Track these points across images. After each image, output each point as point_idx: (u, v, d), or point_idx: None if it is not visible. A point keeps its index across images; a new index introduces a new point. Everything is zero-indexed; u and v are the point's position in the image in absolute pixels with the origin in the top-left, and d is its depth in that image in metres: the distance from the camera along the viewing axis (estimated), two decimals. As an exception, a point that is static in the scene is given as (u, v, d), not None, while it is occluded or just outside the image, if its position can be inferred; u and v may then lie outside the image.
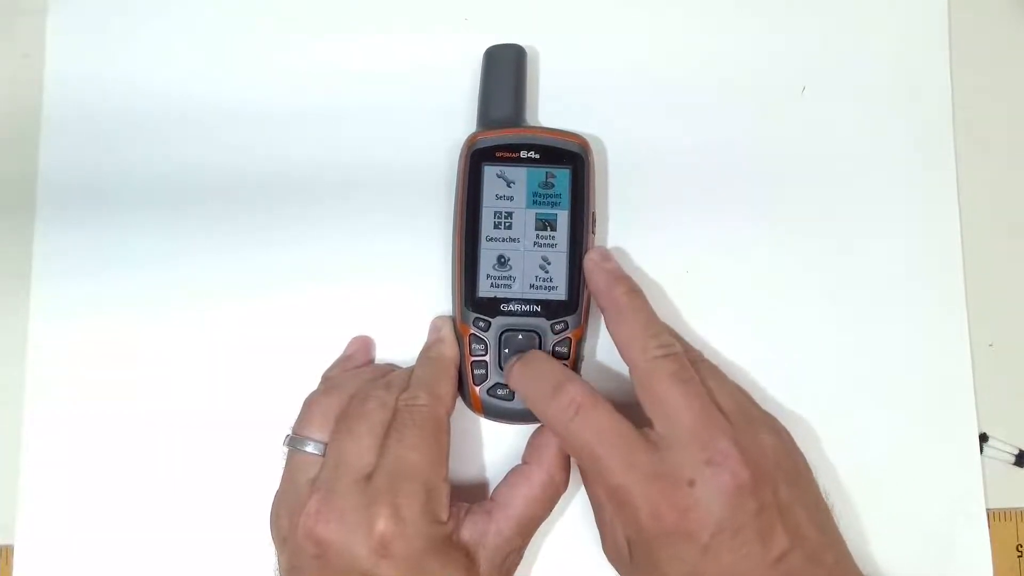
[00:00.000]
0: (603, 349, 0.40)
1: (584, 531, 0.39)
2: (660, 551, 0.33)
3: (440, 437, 0.36)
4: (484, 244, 0.38)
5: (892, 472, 0.40)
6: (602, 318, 0.37)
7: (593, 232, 0.39)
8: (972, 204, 0.43)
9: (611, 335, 0.36)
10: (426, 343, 0.39)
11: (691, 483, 0.32)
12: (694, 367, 0.35)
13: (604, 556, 0.37)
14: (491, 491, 0.37)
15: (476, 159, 0.39)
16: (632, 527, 0.33)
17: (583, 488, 0.39)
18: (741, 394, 0.37)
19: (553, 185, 0.39)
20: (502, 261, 0.38)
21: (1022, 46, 0.45)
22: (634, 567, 0.34)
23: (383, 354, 0.41)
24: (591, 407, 0.34)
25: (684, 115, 0.43)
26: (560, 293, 0.38)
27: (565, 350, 0.38)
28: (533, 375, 0.36)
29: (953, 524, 0.40)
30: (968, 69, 0.44)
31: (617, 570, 0.36)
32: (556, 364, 0.37)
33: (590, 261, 0.38)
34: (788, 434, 0.36)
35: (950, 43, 0.44)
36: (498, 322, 0.38)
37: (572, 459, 0.36)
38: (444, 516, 0.34)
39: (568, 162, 0.39)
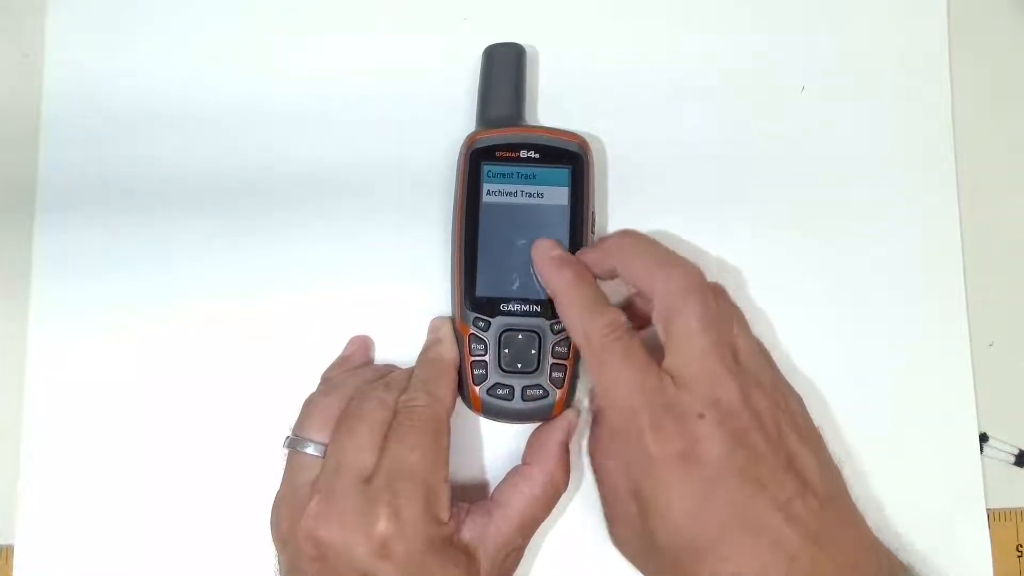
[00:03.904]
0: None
1: (584, 531, 0.39)
2: (668, 479, 0.32)
3: (440, 438, 0.35)
4: (483, 244, 0.38)
5: (892, 472, 0.40)
6: None
7: (593, 231, 0.39)
8: (972, 204, 0.43)
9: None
10: (425, 344, 0.39)
11: (701, 416, 0.32)
12: (718, 303, 0.35)
13: (610, 545, 0.36)
14: (491, 491, 0.37)
15: (475, 158, 0.39)
16: (640, 455, 0.33)
17: (583, 488, 0.39)
18: (759, 346, 0.37)
19: (553, 185, 0.39)
20: (501, 261, 0.38)
21: (1022, 46, 0.45)
22: (642, 516, 0.33)
23: (382, 354, 0.41)
24: (628, 336, 0.35)
25: (684, 115, 0.43)
26: (560, 293, 0.38)
27: (565, 350, 0.37)
28: (576, 283, 0.36)
29: (953, 524, 0.40)
30: (968, 69, 0.44)
31: (626, 548, 0.35)
32: (596, 283, 0.37)
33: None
34: (799, 396, 0.36)
35: (950, 43, 0.44)
36: (498, 322, 0.38)
37: (571, 456, 0.37)
38: (445, 516, 0.34)
39: (568, 162, 0.39)
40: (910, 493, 0.40)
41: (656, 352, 0.35)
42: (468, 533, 0.35)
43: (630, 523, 0.34)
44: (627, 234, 0.38)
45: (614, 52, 0.43)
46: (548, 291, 0.37)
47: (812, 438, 0.35)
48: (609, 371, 0.34)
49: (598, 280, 0.37)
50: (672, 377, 0.34)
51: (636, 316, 0.37)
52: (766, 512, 0.32)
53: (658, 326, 0.35)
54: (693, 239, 0.42)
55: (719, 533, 0.32)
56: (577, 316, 0.36)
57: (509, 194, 0.39)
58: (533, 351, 0.37)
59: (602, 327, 0.35)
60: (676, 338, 0.34)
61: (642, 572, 0.35)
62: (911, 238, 0.42)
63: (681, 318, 0.34)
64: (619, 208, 0.42)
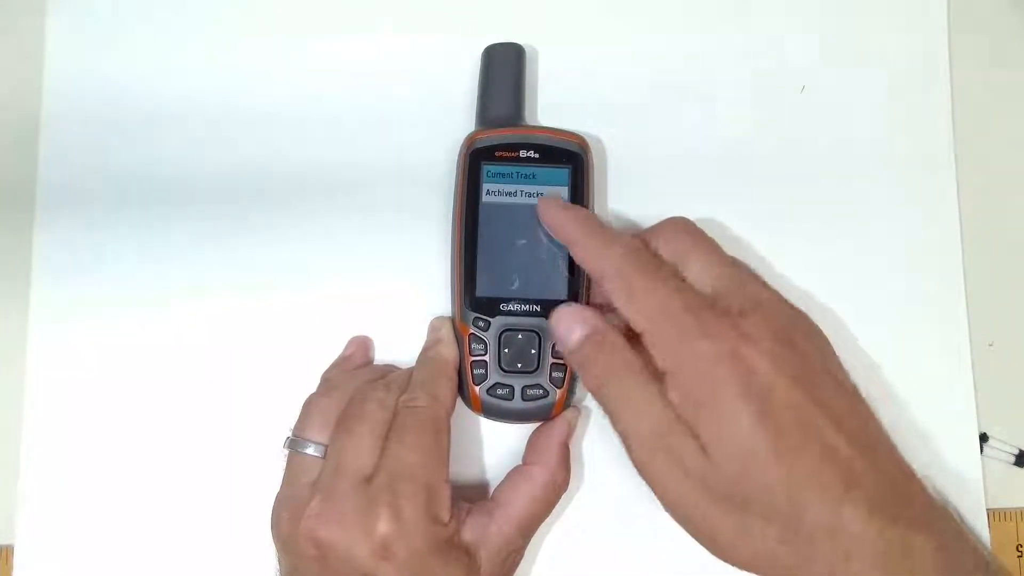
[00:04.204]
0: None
1: (584, 531, 0.39)
2: (723, 381, 0.31)
3: (440, 438, 0.35)
4: (483, 244, 0.38)
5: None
6: None
7: (593, 232, 0.39)
8: (972, 204, 0.43)
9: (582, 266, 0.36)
10: (425, 344, 0.39)
11: (742, 313, 0.32)
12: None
13: (610, 545, 0.35)
14: (492, 491, 0.37)
15: (475, 158, 0.39)
16: (686, 361, 0.31)
17: (583, 488, 0.39)
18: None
19: (552, 185, 0.39)
20: (501, 261, 0.38)
21: (1022, 46, 0.45)
22: (697, 418, 0.31)
23: (382, 355, 0.41)
24: (645, 250, 0.34)
25: (683, 114, 0.43)
26: (560, 292, 0.38)
27: (565, 350, 0.37)
28: (587, 218, 0.36)
29: (953, 524, 0.40)
30: (968, 69, 0.44)
31: (682, 471, 0.31)
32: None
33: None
34: None
35: (950, 43, 0.44)
36: (497, 322, 0.38)
37: (571, 456, 0.36)
38: (445, 517, 0.34)
39: (567, 161, 0.39)
40: (910, 493, 0.40)
41: None
42: (469, 533, 0.35)
43: (684, 459, 0.31)
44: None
45: (614, 52, 0.43)
46: (559, 236, 0.37)
47: (836, 355, 0.35)
48: (641, 285, 0.33)
49: None
50: (706, 294, 0.33)
51: None
52: (819, 417, 0.31)
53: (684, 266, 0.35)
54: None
55: (778, 437, 0.30)
56: (594, 246, 0.35)
57: (509, 194, 0.39)
58: (533, 351, 0.37)
59: (620, 248, 0.34)
60: (695, 264, 0.34)
61: (680, 502, 0.32)
62: (911, 238, 0.42)
63: (691, 251, 0.35)
64: (619, 208, 0.42)
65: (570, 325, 0.35)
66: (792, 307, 0.35)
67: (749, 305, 0.33)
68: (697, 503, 0.31)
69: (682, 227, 0.36)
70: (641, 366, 0.33)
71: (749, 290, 0.34)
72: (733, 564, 0.32)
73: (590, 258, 0.35)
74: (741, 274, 0.34)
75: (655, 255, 0.35)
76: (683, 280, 0.34)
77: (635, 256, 0.34)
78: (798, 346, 0.32)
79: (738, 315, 0.32)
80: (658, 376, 0.32)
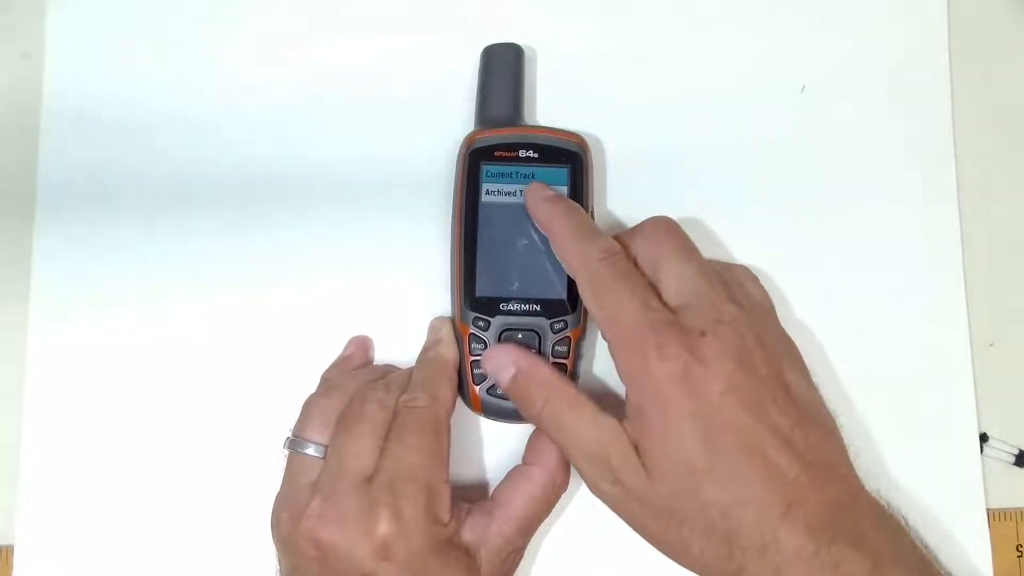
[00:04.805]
0: (602, 348, 0.40)
1: (584, 531, 0.39)
2: (670, 402, 0.32)
3: (440, 438, 0.36)
4: (483, 243, 0.38)
5: (892, 472, 0.40)
6: None
7: (593, 232, 0.39)
8: (972, 204, 0.43)
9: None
10: (425, 344, 0.39)
11: (703, 334, 0.32)
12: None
13: (610, 544, 0.36)
14: (491, 491, 0.37)
15: (475, 158, 0.39)
16: (641, 378, 0.32)
17: (583, 488, 0.39)
18: (745, 273, 0.38)
19: (552, 184, 0.39)
20: (501, 260, 0.38)
21: (1022, 46, 0.45)
22: (642, 448, 0.32)
23: (382, 355, 0.41)
24: (624, 259, 0.35)
25: (683, 114, 0.43)
26: (559, 292, 0.38)
27: (565, 349, 0.37)
28: (569, 212, 0.37)
29: (953, 524, 0.40)
30: (968, 69, 0.44)
31: (622, 490, 0.33)
32: (588, 215, 0.38)
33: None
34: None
35: (950, 43, 0.44)
36: (497, 321, 0.38)
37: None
38: (445, 517, 0.34)
39: (567, 161, 0.39)
40: (910, 493, 0.40)
41: None
42: (469, 533, 0.35)
43: (624, 478, 0.33)
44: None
45: (614, 52, 0.43)
46: (542, 228, 0.37)
47: (804, 370, 0.35)
48: (611, 294, 0.34)
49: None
50: (675, 306, 0.34)
51: None
52: (767, 438, 0.31)
53: (648, 275, 0.35)
54: (692, 238, 0.41)
55: (719, 457, 0.31)
56: (572, 244, 0.36)
57: (508, 194, 0.39)
58: (533, 351, 0.37)
59: (598, 252, 0.35)
60: (668, 273, 0.35)
61: (631, 519, 0.34)
62: (911, 238, 0.42)
63: (668, 257, 0.35)
64: (618, 208, 0.42)
65: (499, 364, 0.36)
66: (761, 321, 0.35)
67: (711, 324, 0.33)
68: (642, 520, 0.33)
69: (663, 230, 0.36)
70: (573, 395, 0.34)
71: (717, 307, 0.34)
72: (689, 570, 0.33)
73: (567, 256, 0.36)
74: (713, 288, 0.34)
75: (630, 262, 0.35)
76: (655, 291, 0.34)
77: (610, 263, 0.35)
78: (756, 369, 0.32)
79: (699, 335, 0.32)
80: (594, 397, 0.34)
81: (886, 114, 0.43)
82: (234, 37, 0.43)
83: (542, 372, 0.35)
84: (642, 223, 0.37)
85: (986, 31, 0.44)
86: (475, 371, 0.38)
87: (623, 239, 0.36)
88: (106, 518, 0.40)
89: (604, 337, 0.34)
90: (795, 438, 0.32)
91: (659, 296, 0.34)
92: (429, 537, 0.33)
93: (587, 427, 0.34)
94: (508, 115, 0.40)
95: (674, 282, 0.34)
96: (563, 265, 0.37)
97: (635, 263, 0.36)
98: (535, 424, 0.36)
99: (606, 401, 0.34)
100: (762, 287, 0.38)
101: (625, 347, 0.33)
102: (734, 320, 0.33)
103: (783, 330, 0.36)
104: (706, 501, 0.31)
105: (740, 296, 0.36)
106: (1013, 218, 0.43)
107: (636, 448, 0.33)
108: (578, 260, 0.35)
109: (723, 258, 0.42)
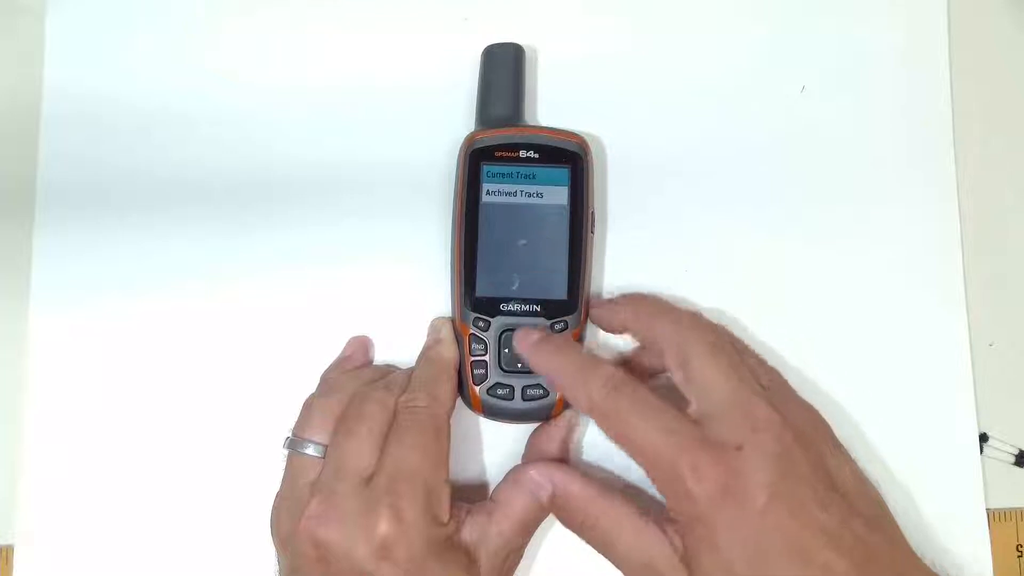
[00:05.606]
0: (602, 349, 0.40)
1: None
2: (715, 520, 0.31)
3: (440, 438, 0.36)
4: (483, 244, 0.38)
5: (892, 472, 0.40)
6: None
7: (592, 231, 0.39)
8: (972, 204, 0.43)
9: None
10: (425, 344, 0.39)
11: (739, 447, 0.32)
12: (725, 334, 0.36)
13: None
14: (491, 491, 0.37)
15: (475, 158, 0.39)
16: (681, 501, 0.32)
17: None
18: (772, 368, 0.37)
19: (552, 184, 0.39)
20: (501, 261, 0.38)
21: (1022, 46, 0.45)
22: (690, 560, 0.32)
23: (382, 355, 0.41)
24: (628, 382, 0.34)
25: (683, 114, 0.43)
26: (560, 292, 0.38)
27: (565, 350, 0.37)
28: (561, 350, 0.36)
29: (953, 524, 0.40)
30: (968, 69, 0.44)
31: None
32: (581, 347, 0.37)
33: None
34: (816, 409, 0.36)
35: (950, 43, 0.44)
36: (498, 322, 0.38)
37: (570, 456, 0.36)
38: (445, 517, 0.34)
39: (567, 161, 0.39)
40: (910, 493, 0.40)
41: (674, 399, 0.34)
42: (468, 533, 0.35)
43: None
44: (637, 293, 0.39)
45: (614, 52, 0.43)
46: (539, 372, 0.37)
47: (842, 450, 0.35)
48: (626, 427, 0.33)
49: (608, 334, 0.38)
50: (703, 415, 0.33)
51: (640, 371, 0.38)
52: (815, 540, 0.31)
53: (674, 372, 0.34)
54: (692, 239, 0.42)
55: (768, 565, 0.31)
56: (572, 380, 0.35)
57: (509, 194, 0.39)
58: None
59: (599, 385, 0.34)
60: (697, 374, 0.34)
61: None
62: (911, 239, 0.42)
63: (698, 356, 0.34)
64: (619, 208, 0.42)
65: (537, 485, 0.35)
66: (785, 401, 0.34)
67: (746, 434, 0.32)
68: None
69: (688, 324, 0.35)
70: (611, 508, 0.34)
71: (751, 413, 0.33)
72: None
73: (572, 398, 0.35)
74: (743, 393, 0.33)
75: (634, 382, 0.34)
76: (670, 407, 0.33)
77: (615, 395, 0.33)
78: (797, 468, 0.32)
79: (735, 449, 0.32)
80: (645, 512, 0.34)
81: (886, 114, 0.43)
82: (234, 37, 0.43)
83: (577, 489, 0.35)
84: (679, 312, 0.36)
85: (986, 31, 0.44)
86: (475, 371, 0.38)
87: (653, 326, 0.36)
88: (106, 518, 0.40)
89: (636, 464, 0.33)
90: (844, 535, 0.31)
91: (678, 405, 0.33)
92: (429, 537, 0.33)
93: (631, 540, 0.33)
94: (508, 115, 0.40)
95: (706, 382, 0.33)
96: (573, 404, 0.35)
97: (664, 356, 0.35)
98: (579, 536, 0.35)
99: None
100: None
101: (658, 475, 0.32)
102: (771, 426, 0.32)
103: (803, 400, 0.36)
104: None
105: (764, 377, 0.35)
106: (1013, 218, 0.43)
107: (682, 558, 0.32)
108: (583, 400, 0.34)
109: (723, 258, 0.42)
